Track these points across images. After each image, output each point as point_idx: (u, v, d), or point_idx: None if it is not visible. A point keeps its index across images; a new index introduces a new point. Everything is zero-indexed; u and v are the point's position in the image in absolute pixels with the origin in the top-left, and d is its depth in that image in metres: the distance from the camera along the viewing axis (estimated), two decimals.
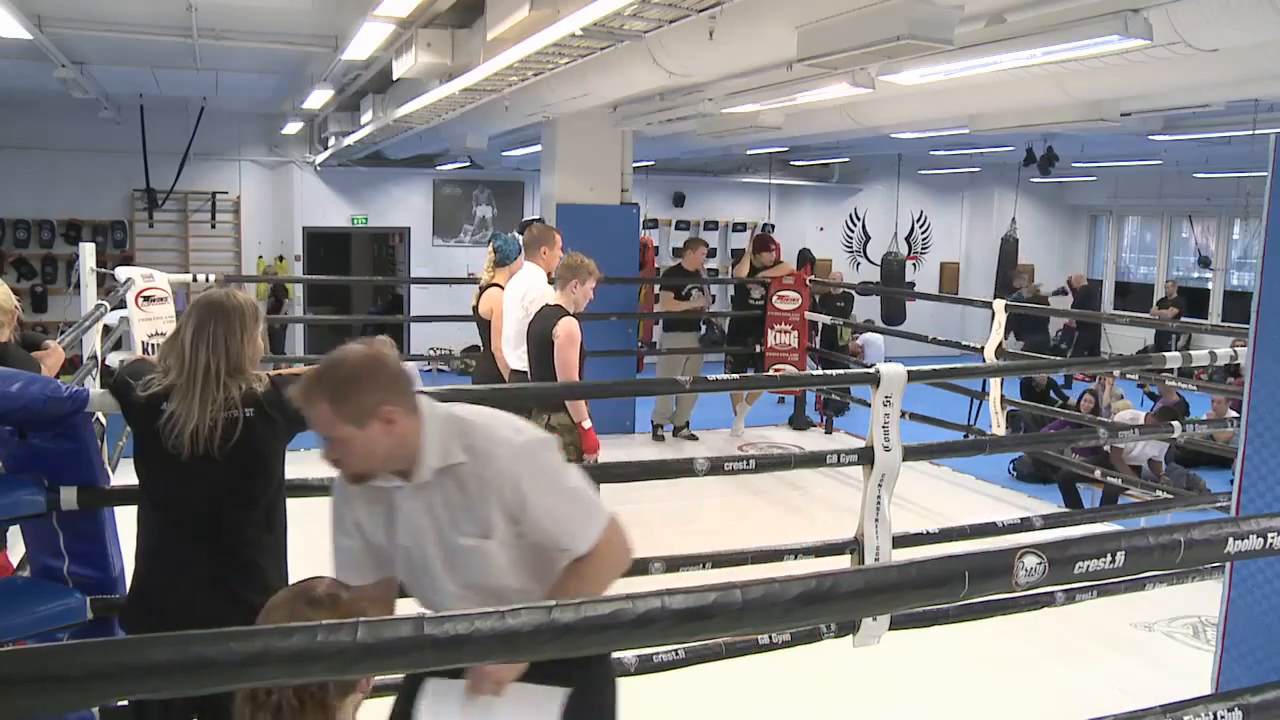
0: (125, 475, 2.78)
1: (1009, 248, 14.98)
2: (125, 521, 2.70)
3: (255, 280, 13.08)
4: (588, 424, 4.52)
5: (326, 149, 12.52)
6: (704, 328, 9.10)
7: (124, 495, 2.70)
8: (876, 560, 3.59)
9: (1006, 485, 7.64)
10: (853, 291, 13.23)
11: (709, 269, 15.90)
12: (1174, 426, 5.38)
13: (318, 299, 16.88)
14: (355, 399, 1.95)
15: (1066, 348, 14.96)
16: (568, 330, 4.55)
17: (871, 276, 17.30)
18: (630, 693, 3.52)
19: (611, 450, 4.71)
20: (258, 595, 2.27)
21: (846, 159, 16.44)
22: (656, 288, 9.45)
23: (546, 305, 4.73)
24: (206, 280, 6.87)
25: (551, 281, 5.00)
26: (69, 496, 2.68)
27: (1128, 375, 8.92)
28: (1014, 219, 15.04)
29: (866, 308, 15.51)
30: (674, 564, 3.64)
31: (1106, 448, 8.22)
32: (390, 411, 1.97)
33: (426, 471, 2.00)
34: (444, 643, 1.18)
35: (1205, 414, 9.27)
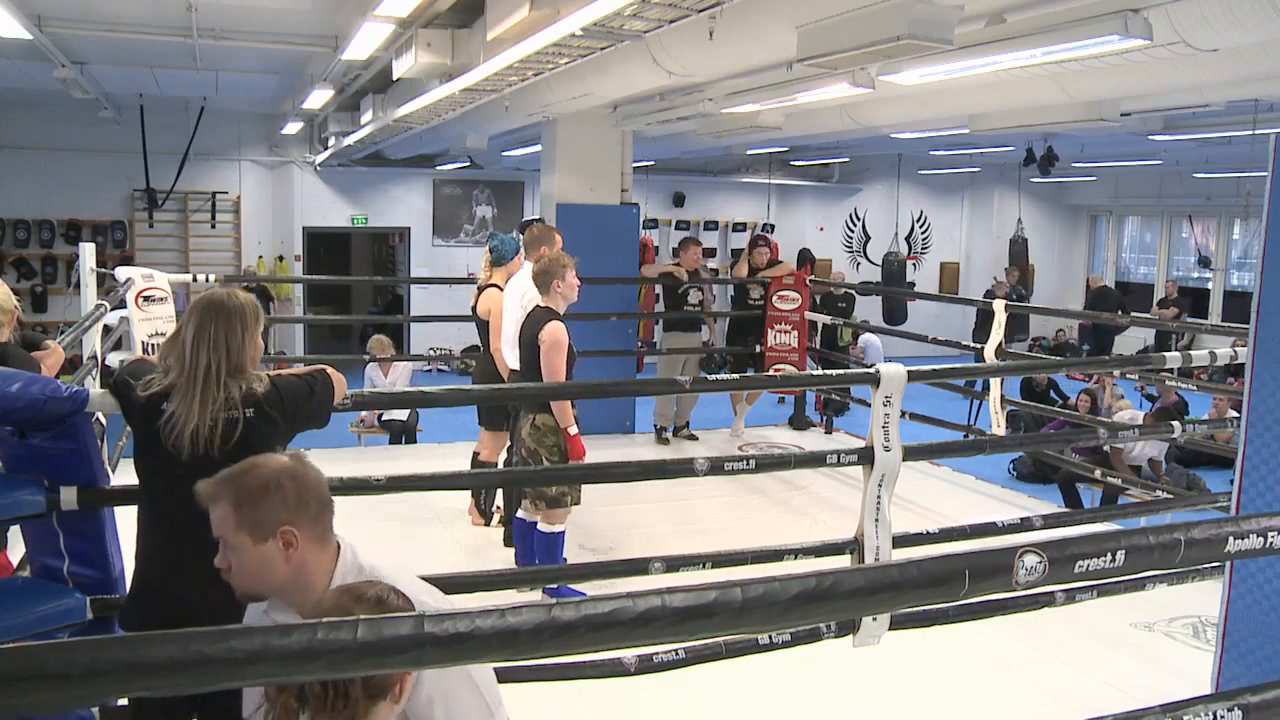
0: (125, 475, 2.78)
1: (1019, 248, 14.93)
2: (125, 521, 2.70)
3: (255, 280, 13.07)
4: (574, 430, 4.51)
5: (326, 149, 12.52)
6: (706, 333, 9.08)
7: (124, 495, 2.70)
8: (876, 560, 3.59)
9: (1006, 485, 7.64)
10: (853, 292, 13.21)
11: (709, 269, 15.91)
12: (1174, 426, 5.38)
13: (318, 299, 16.89)
14: (258, 510, 1.85)
15: (1086, 349, 14.98)
16: (553, 336, 4.54)
17: (872, 276, 17.30)
18: (630, 693, 3.53)
19: (611, 450, 4.72)
20: None
21: (846, 159, 16.45)
22: (657, 287, 9.45)
23: (537, 307, 4.74)
24: (206, 280, 6.87)
25: None
26: (69, 496, 2.68)
27: (1128, 375, 8.91)
28: (1020, 219, 15.03)
29: (867, 308, 15.52)
30: (674, 564, 3.64)
31: (1106, 448, 8.21)
32: (290, 534, 1.85)
33: None
34: (445, 640, 1.18)
35: (1206, 414, 9.28)
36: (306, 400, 2.56)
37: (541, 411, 4.55)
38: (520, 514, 4.83)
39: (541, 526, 4.64)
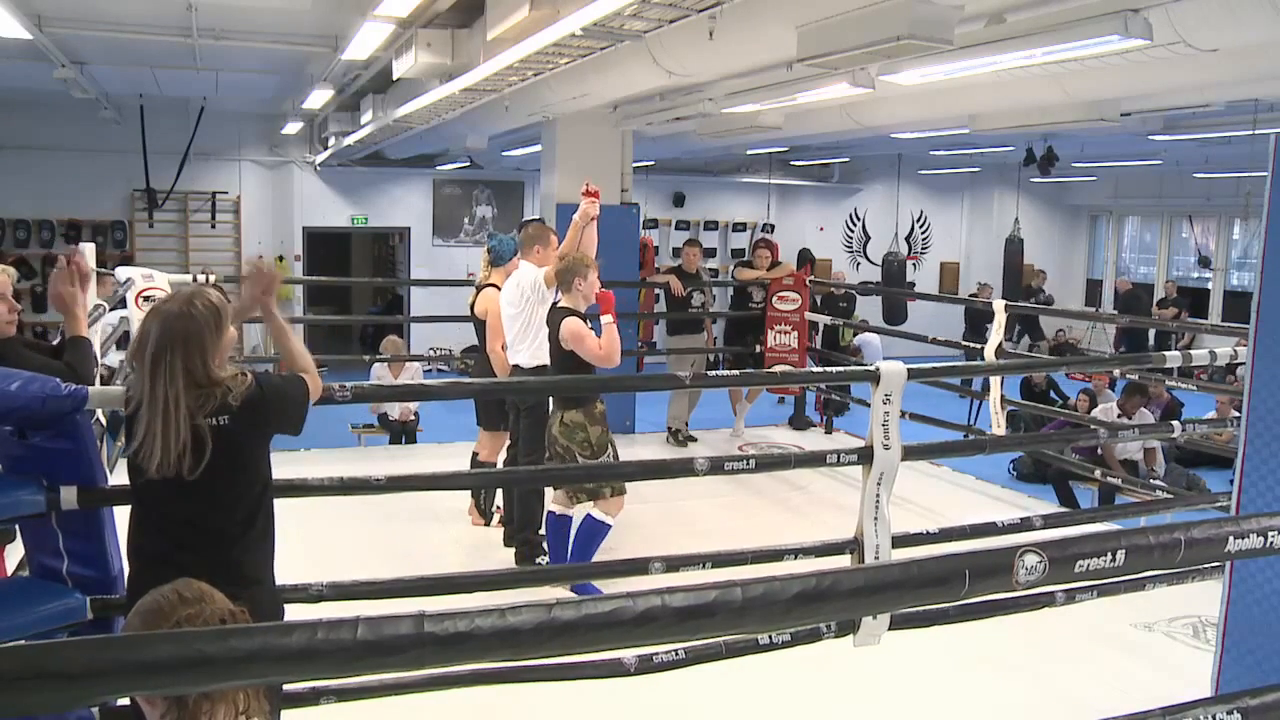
0: (125, 475, 2.78)
1: (1014, 248, 14.93)
2: (125, 521, 2.70)
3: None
4: (608, 318, 4.62)
5: (326, 149, 12.52)
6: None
7: (123, 495, 2.69)
8: (876, 560, 3.59)
9: (1006, 485, 7.63)
10: (854, 292, 13.18)
11: (709, 269, 15.91)
12: (1174, 426, 5.38)
13: (318, 299, 16.88)
14: None
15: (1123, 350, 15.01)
16: (573, 331, 4.60)
17: (872, 276, 17.30)
18: (630, 693, 3.53)
19: None
20: (243, 589, 2.26)
21: (846, 159, 16.45)
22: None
23: (556, 305, 4.80)
24: (206, 280, 6.86)
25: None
26: (68, 496, 2.67)
27: (1127, 375, 8.91)
28: (1017, 219, 15.02)
29: (867, 308, 15.51)
30: (674, 564, 3.64)
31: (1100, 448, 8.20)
32: None
33: None
34: (445, 640, 1.18)
35: (1208, 414, 9.27)
36: (281, 399, 2.55)
37: (570, 409, 4.59)
38: (551, 506, 4.82)
39: (594, 513, 4.67)
